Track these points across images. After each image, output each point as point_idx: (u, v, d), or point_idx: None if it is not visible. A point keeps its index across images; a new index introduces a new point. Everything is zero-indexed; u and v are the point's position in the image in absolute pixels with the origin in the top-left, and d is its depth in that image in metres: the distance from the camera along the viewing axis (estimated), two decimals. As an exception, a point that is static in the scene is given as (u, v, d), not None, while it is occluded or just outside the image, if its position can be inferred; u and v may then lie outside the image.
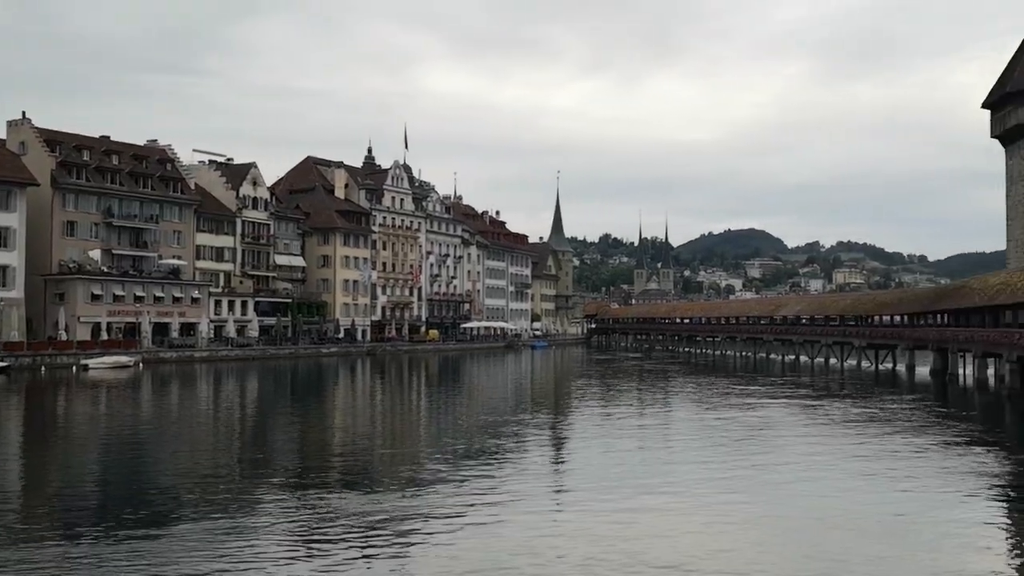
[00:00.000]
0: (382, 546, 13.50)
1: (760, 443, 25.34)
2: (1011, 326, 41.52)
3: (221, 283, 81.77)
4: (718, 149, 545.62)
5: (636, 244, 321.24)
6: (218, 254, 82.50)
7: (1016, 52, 64.55)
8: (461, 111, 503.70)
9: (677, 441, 26.50)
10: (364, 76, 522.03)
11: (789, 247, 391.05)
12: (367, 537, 13.98)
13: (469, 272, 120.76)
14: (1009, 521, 16.35)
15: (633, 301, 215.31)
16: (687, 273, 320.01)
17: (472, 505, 16.46)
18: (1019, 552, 14.07)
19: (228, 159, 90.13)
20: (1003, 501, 17.79)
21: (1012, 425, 32.14)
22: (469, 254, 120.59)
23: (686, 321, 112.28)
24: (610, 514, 15.62)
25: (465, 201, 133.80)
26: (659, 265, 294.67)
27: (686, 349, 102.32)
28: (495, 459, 22.33)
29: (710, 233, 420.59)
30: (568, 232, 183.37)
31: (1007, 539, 14.89)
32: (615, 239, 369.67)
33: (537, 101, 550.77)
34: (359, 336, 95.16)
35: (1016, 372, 40.28)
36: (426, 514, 15.67)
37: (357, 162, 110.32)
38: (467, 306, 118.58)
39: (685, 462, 21.78)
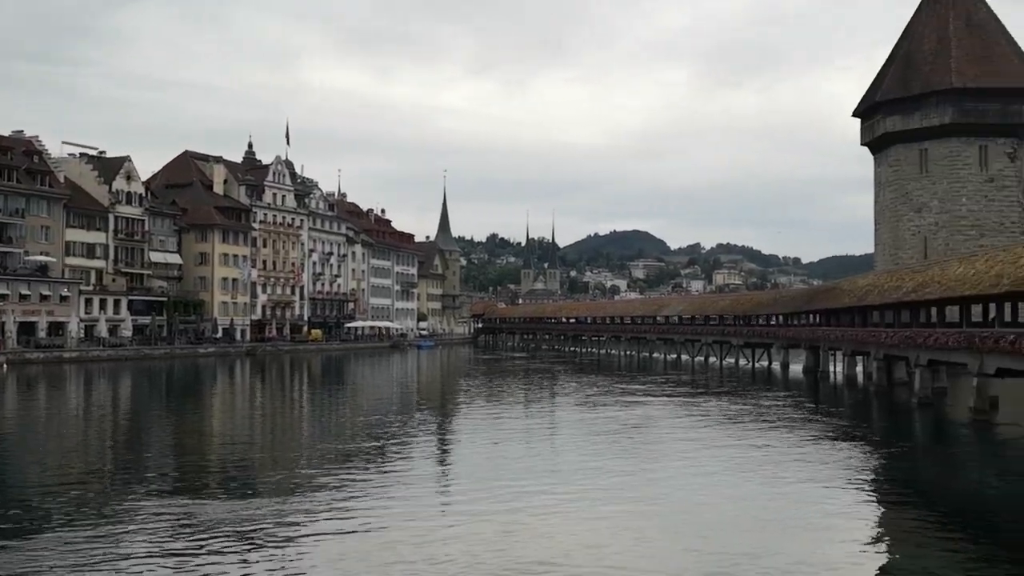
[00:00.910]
0: (259, 554, 12.88)
1: (642, 440, 25.59)
2: (878, 325, 43.30)
3: (92, 281, 78.21)
4: (604, 152, 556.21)
5: (523, 244, 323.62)
6: (89, 250, 78.83)
7: (884, 63, 67.62)
8: (346, 108, 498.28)
9: (562, 440, 26.50)
10: (246, 69, 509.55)
11: (672, 249, 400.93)
12: (243, 545, 13.33)
13: (353, 271, 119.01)
14: (875, 512, 16.99)
15: (520, 301, 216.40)
16: (573, 273, 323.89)
17: (355, 508, 15.97)
18: (882, 542, 14.51)
19: (100, 152, 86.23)
20: (871, 493, 18.52)
21: (878, 420, 33.49)
22: (353, 252, 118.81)
23: (572, 321, 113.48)
24: (495, 514, 15.42)
25: (350, 199, 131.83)
26: (546, 265, 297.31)
27: (572, 348, 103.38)
28: (379, 461, 21.81)
29: (596, 234, 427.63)
30: (455, 232, 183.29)
31: (873, 530, 15.41)
32: (502, 239, 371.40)
33: (425, 100, 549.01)
34: (238, 336, 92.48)
35: (882, 369, 42.05)
36: (306, 519, 15.10)
37: (237, 157, 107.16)
38: (351, 305, 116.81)
39: (569, 460, 21.74)
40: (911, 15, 67.20)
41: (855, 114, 69.71)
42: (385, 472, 20.26)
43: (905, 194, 64.10)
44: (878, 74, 67.69)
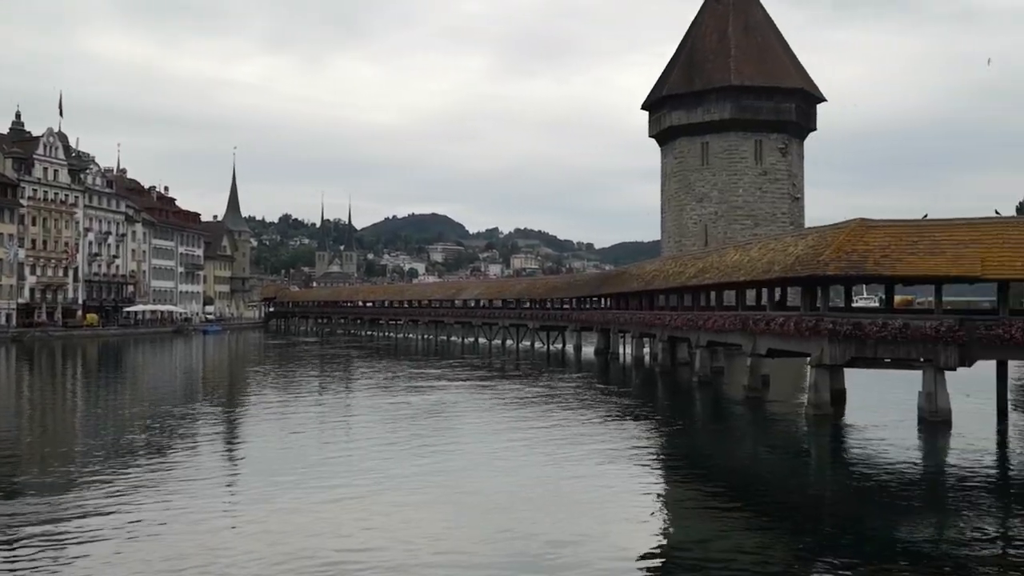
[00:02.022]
0: (26, 561, 11.55)
1: (438, 425, 25.40)
2: (663, 309, 45.29)
3: None
4: (403, 134, 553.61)
5: (318, 226, 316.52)
6: None
7: (671, 60, 70.84)
8: (128, 79, 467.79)
9: (359, 427, 25.87)
10: (15, 32, 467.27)
11: (470, 232, 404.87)
12: (6, 550, 11.90)
13: (134, 251, 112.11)
14: (658, 486, 17.63)
15: (314, 284, 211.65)
16: (371, 256, 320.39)
17: (133, 506, 14.81)
18: (664, 514, 15.05)
19: None
20: (654, 468, 19.25)
21: (662, 398, 35.05)
22: (134, 232, 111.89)
23: (369, 304, 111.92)
24: (287, 507, 14.77)
25: (130, 175, 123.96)
26: (342, 248, 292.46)
27: (369, 333, 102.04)
28: (160, 456, 20.41)
29: (394, 217, 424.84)
30: (246, 212, 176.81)
31: (656, 503, 16.00)
32: (296, 220, 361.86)
33: (215, 74, 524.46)
34: (3, 320, 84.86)
35: (667, 350, 44.08)
36: (79, 519, 13.84)
37: (3, 128, 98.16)
38: (131, 288, 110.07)
39: (364, 449, 21.21)
40: (695, 14, 70.76)
41: (644, 107, 72.70)
42: (167, 467, 18.93)
43: (688, 185, 67.58)
44: (665, 70, 70.89)
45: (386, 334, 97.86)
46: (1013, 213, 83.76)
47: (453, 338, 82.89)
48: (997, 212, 29.89)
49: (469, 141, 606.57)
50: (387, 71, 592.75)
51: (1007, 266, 23.67)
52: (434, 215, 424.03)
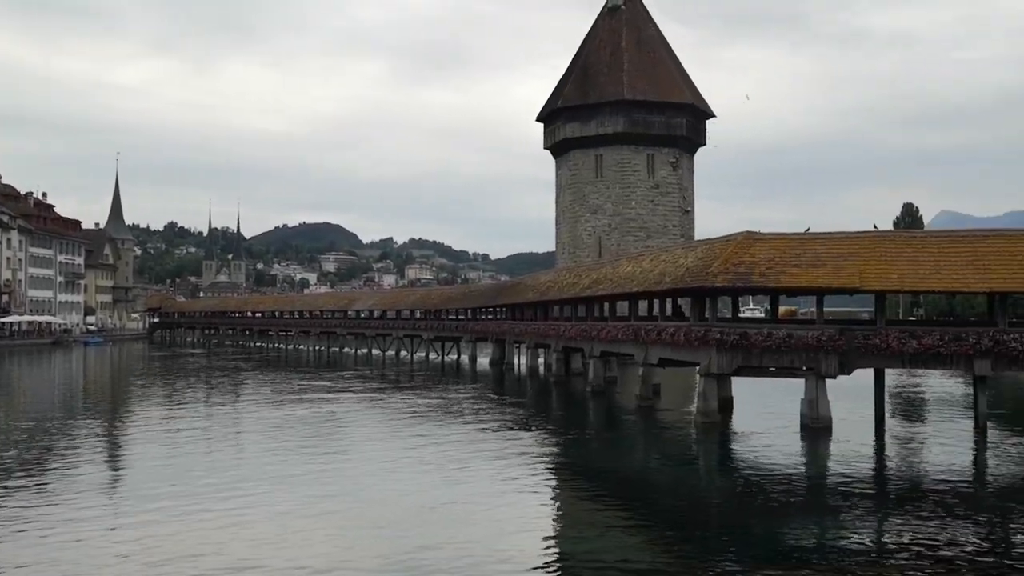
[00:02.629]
0: None
1: (331, 438, 24.92)
2: (558, 319, 45.67)
3: None
4: (296, 140, 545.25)
5: (205, 234, 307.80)
6: None
7: (566, 71, 71.69)
8: (2, 80, 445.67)
9: (246, 442, 25.16)
10: None
11: (364, 242, 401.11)
12: None
13: (8, 260, 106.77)
14: (551, 496, 17.65)
15: (202, 294, 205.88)
16: (260, 266, 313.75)
17: (8, 525, 13.88)
18: (556, 523, 15.06)
19: None
20: (548, 477, 19.27)
21: (556, 408, 35.21)
22: (8, 240, 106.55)
23: (258, 315, 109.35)
24: (172, 524, 14.15)
25: (5, 181, 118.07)
26: (230, 257, 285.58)
27: (258, 344, 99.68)
28: (37, 472, 19.29)
29: (285, 226, 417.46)
30: (129, 219, 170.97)
31: (549, 513, 16.03)
32: (182, 228, 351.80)
33: (97, 76, 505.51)
34: None
35: (561, 360, 44.44)
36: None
37: None
38: (6, 298, 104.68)
39: (255, 463, 20.65)
40: (589, 28, 71.86)
41: (539, 119, 73.33)
42: (44, 484, 17.90)
43: (583, 196, 68.43)
44: (559, 82, 71.70)
45: (276, 345, 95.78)
46: (890, 227, 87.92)
47: (346, 349, 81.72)
48: (875, 227, 31.20)
49: (364, 149, 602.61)
50: (280, 76, 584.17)
51: (884, 278, 24.71)
52: (327, 224, 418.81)
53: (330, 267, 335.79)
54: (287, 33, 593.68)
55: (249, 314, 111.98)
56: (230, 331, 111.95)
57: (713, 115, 70.76)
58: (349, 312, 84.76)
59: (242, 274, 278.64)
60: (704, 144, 71.50)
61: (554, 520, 15.70)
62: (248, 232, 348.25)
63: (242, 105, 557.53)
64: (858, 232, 26.80)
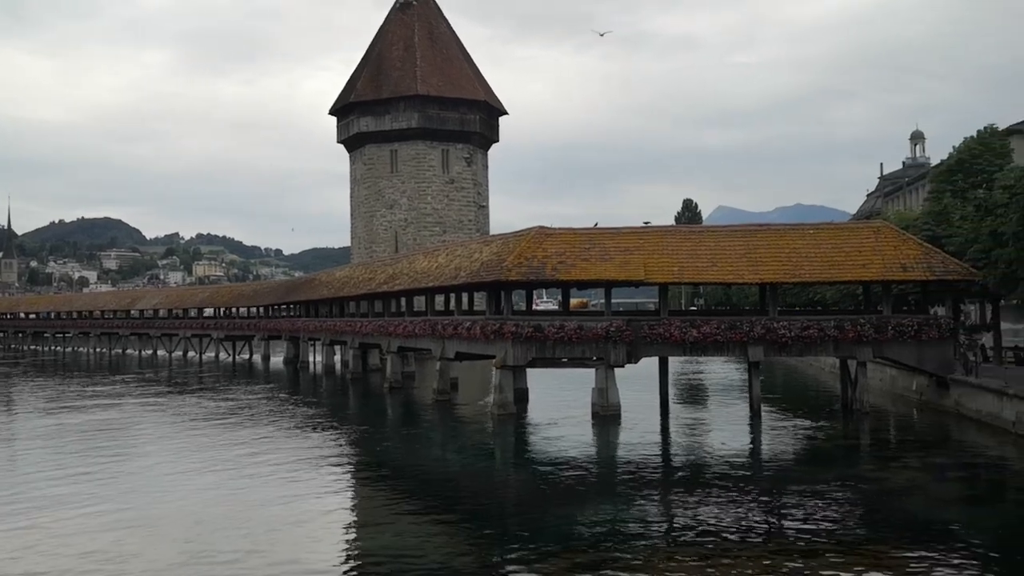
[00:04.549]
0: None
1: (114, 444, 23.43)
2: (354, 316, 45.08)
3: None
4: (74, 132, 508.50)
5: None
6: None
7: (358, 66, 70.80)
8: None
9: (21, 452, 23.25)
10: None
11: (148, 238, 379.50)
12: None
13: None
14: (350, 493, 17.56)
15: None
16: (35, 264, 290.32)
17: None
18: (355, 520, 14.90)
19: None
20: (346, 475, 19.16)
21: (354, 405, 34.89)
22: None
23: (32, 316, 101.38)
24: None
25: None
26: (0, 255, 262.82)
27: (33, 347, 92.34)
28: None
29: (62, 221, 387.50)
30: None
31: (348, 509, 15.94)
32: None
33: None
34: None
35: (358, 357, 43.93)
36: None
37: None
38: None
39: (32, 475, 19.09)
40: (382, 23, 71.28)
41: (331, 112, 72.01)
42: None
43: (378, 191, 67.88)
44: (352, 76, 70.74)
45: (52, 348, 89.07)
46: (672, 222, 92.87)
47: (129, 351, 77.20)
48: (647, 223, 32.78)
49: (148, 141, 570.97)
50: (57, 65, 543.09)
51: (666, 271, 26.10)
52: (107, 219, 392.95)
53: (111, 265, 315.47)
54: (67, 19, 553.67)
55: (22, 315, 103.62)
56: (1, 335, 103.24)
57: (506, 112, 72.04)
58: (132, 312, 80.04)
59: (14, 273, 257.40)
60: (497, 140, 72.67)
61: (351, 518, 15.55)
62: (20, 228, 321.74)
63: (15, 94, 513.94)
64: (642, 227, 28.17)
